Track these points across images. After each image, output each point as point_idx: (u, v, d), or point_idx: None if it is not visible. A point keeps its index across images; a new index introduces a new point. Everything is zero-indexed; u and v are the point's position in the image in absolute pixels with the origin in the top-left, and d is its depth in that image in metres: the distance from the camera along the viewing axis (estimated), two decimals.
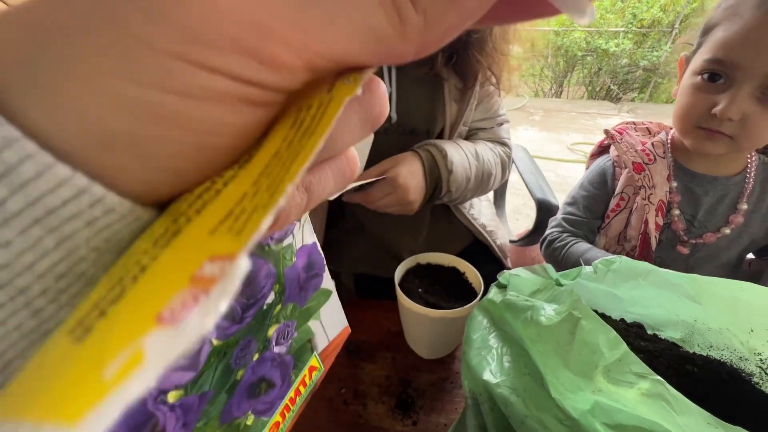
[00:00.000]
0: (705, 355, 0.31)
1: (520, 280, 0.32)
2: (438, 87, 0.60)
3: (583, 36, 5.57)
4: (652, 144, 0.58)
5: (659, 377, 0.17)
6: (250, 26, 0.08)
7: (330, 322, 0.16)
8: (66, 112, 0.07)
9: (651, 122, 0.63)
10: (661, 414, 0.16)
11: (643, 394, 0.17)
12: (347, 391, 0.46)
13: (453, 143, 0.61)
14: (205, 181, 0.09)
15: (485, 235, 0.72)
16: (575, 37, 5.59)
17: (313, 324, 0.16)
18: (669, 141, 0.58)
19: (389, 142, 0.60)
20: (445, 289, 0.51)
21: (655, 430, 0.17)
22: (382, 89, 0.12)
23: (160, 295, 0.07)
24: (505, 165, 0.67)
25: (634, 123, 0.63)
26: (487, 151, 0.64)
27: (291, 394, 0.15)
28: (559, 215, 0.64)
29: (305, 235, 0.15)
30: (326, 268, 0.16)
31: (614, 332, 0.20)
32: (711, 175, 0.55)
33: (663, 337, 0.34)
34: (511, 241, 0.97)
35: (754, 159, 0.54)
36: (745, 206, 0.53)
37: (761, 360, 0.26)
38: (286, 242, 0.14)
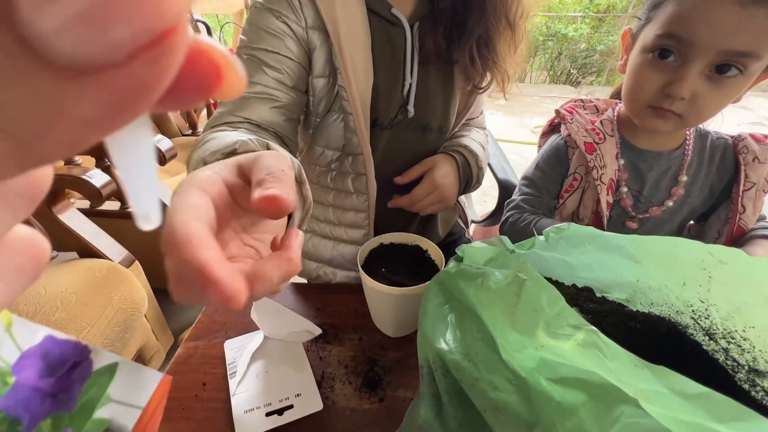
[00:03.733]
0: (647, 312, 0.33)
1: (475, 250, 0.33)
2: (450, 84, 0.60)
3: (543, 21, 5.69)
4: (601, 122, 0.59)
5: (592, 327, 0.18)
6: None
7: (134, 392, 0.14)
8: None
9: (598, 99, 0.65)
10: (595, 362, 0.17)
11: (579, 344, 0.18)
12: (314, 375, 0.45)
13: (472, 140, 0.67)
14: None
15: (463, 208, 0.77)
16: (536, 22, 5.71)
17: (106, 410, 0.14)
18: (615, 118, 0.60)
19: (403, 138, 0.61)
20: (408, 268, 0.51)
21: (592, 379, 0.18)
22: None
23: None
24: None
25: (582, 101, 0.65)
26: (484, 140, 0.71)
27: None
28: (516, 197, 0.65)
29: (19, 341, 0.12)
30: (91, 348, 0.14)
31: (555, 290, 0.20)
32: (655, 150, 0.57)
33: (611, 299, 0.36)
34: (476, 222, 0.99)
35: (691, 131, 0.57)
36: (685, 178, 0.56)
37: (693, 312, 0.28)
38: None
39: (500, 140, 1.11)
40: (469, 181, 0.65)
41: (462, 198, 0.81)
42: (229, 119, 0.48)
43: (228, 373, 0.45)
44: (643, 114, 0.51)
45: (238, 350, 0.48)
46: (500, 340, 0.23)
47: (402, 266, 0.51)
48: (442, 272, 0.32)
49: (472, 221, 0.96)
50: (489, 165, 0.97)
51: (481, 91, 0.62)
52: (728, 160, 0.56)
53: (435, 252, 0.51)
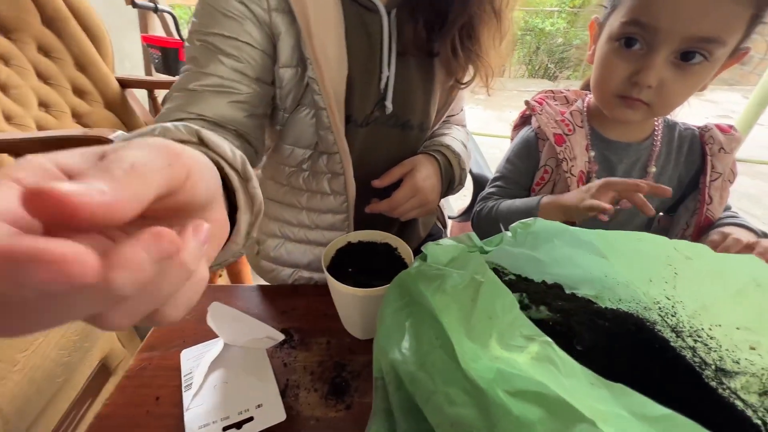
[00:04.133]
0: (615, 308, 0.32)
1: (439, 249, 0.31)
2: (430, 78, 0.56)
3: (521, 15, 5.74)
4: (571, 113, 0.58)
5: (547, 338, 0.16)
6: None
7: None
8: None
9: (568, 90, 0.64)
10: (549, 378, 0.15)
11: (533, 358, 0.16)
12: (277, 384, 0.43)
13: (453, 139, 0.63)
14: None
15: (441, 210, 0.74)
16: (514, 16, 5.74)
17: None
18: (585, 109, 0.59)
19: (381, 136, 0.56)
20: (377, 267, 0.49)
21: (549, 393, 0.16)
22: None
23: None
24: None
25: (552, 91, 0.64)
26: (465, 138, 0.67)
27: None
28: (486, 190, 0.64)
29: None
30: None
31: (510, 295, 0.18)
32: (624, 141, 0.56)
33: (580, 296, 0.35)
34: (452, 218, 0.98)
35: (659, 122, 0.57)
36: (654, 169, 0.56)
37: (660, 308, 0.27)
38: None
39: (480, 134, 1.11)
40: (451, 182, 0.62)
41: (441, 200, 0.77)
42: (179, 116, 0.42)
43: (183, 385, 0.42)
44: (611, 104, 0.50)
45: (196, 360, 0.45)
46: (458, 347, 0.21)
47: (371, 265, 0.49)
48: (402, 273, 0.30)
49: (449, 217, 0.95)
50: None
51: (463, 86, 0.59)
52: (695, 150, 0.56)
53: (405, 250, 0.49)
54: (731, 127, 0.55)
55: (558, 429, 0.15)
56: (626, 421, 0.13)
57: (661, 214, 0.62)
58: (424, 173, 0.57)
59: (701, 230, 0.55)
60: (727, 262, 0.23)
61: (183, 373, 0.43)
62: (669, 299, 0.26)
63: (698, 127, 0.57)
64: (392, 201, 0.56)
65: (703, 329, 0.24)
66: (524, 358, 0.16)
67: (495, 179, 0.65)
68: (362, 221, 0.61)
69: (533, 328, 0.17)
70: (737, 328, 0.22)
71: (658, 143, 0.56)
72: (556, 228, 0.32)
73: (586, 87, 0.65)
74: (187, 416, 0.39)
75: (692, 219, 0.55)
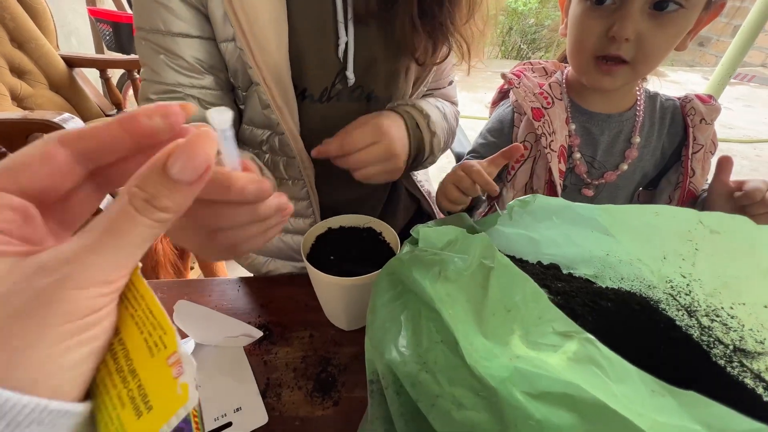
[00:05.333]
0: (617, 288, 0.30)
1: (432, 231, 0.28)
2: (398, 47, 0.49)
3: None
4: (549, 85, 0.56)
5: (589, 335, 0.14)
6: None
7: None
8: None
9: (547, 61, 0.62)
10: (594, 384, 0.13)
11: (570, 358, 0.13)
12: (257, 384, 0.40)
13: (428, 103, 0.54)
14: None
15: (429, 201, 0.69)
16: None
17: None
18: (564, 80, 0.57)
19: (344, 110, 0.49)
20: (360, 253, 0.46)
21: (583, 396, 0.13)
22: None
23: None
24: (457, 123, 0.64)
25: (530, 63, 0.62)
26: (449, 111, 0.59)
27: None
28: (458, 164, 0.62)
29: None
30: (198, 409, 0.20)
31: (533, 283, 0.16)
32: (605, 113, 0.55)
33: (577, 275, 0.33)
34: None
35: (642, 93, 0.56)
36: (638, 140, 0.55)
37: (672, 287, 0.25)
38: None
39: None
40: (420, 149, 0.52)
41: (426, 187, 0.70)
42: None
43: None
44: (589, 68, 0.49)
45: None
46: (464, 343, 0.18)
47: (354, 252, 0.46)
48: (393, 260, 0.27)
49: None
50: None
51: (437, 62, 0.52)
52: (677, 122, 0.55)
53: (390, 234, 0.46)
54: (711, 96, 0.54)
55: None
56: None
57: (640, 189, 0.61)
58: (390, 120, 0.47)
59: (684, 204, 0.55)
60: (763, 237, 0.21)
61: None
62: (684, 277, 0.24)
63: (679, 98, 0.56)
64: (347, 137, 0.44)
65: (722, 308, 0.23)
66: (558, 360, 0.14)
67: (468, 152, 0.63)
68: (333, 206, 0.56)
69: (569, 322, 0.14)
70: (765, 307, 0.21)
71: (641, 114, 0.54)
72: (557, 205, 0.29)
73: (563, 59, 0.63)
74: None
75: (675, 192, 0.55)
